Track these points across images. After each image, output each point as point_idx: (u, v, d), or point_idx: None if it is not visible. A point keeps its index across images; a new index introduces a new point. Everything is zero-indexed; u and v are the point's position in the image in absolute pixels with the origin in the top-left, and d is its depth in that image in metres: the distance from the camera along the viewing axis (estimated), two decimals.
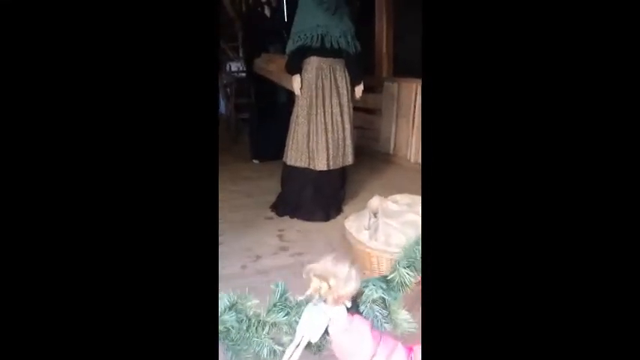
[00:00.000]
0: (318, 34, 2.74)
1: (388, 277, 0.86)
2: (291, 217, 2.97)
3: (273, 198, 3.15)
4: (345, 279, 0.72)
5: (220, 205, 2.82)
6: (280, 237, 2.76)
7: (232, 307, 0.80)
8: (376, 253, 2.14)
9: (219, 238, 2.77)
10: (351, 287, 0.73)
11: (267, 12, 4.45)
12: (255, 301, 0.83)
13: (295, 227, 2.87)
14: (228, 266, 2.46)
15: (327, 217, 2.92)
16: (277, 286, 0.85)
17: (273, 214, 3.05)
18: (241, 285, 2.26)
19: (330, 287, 0.71)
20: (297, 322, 0.80)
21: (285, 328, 0.80)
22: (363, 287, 0.82)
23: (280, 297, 0.83)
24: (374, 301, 0.82)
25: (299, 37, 2.79)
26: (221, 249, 2.68)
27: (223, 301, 0.80)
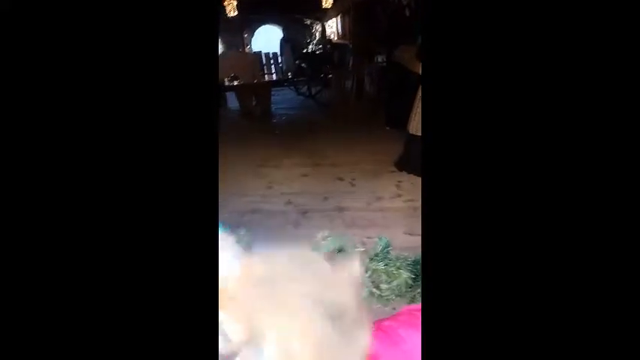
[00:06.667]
0: None
1: None
2: (408, 173, 2.70)
3: (395, 157, 2.90)
4: None
5: (356, 159, 2.69)
6: (398, 186, 2.56)
7: (341, 250, 0.67)
8: None
9: (354, 182, 2.68)
10: None
11: (407, 12, 3.96)
12: (362, 249, 0.68)
13: (410, 181, 2.61)
14: (357, 201, 2.37)
15: None
16: (381, 240, 0.69)
17: (394, 169, 2.82)
18: (363, 217, 2.18)
19: None
20: (394, 273, 0.63)
21: (383, 276, 0.65)
22: None
23: (382, 250, 0.67)
24: None
25: None
26: (353, 189, 2.60)
27: (336, 244, 0.67)
